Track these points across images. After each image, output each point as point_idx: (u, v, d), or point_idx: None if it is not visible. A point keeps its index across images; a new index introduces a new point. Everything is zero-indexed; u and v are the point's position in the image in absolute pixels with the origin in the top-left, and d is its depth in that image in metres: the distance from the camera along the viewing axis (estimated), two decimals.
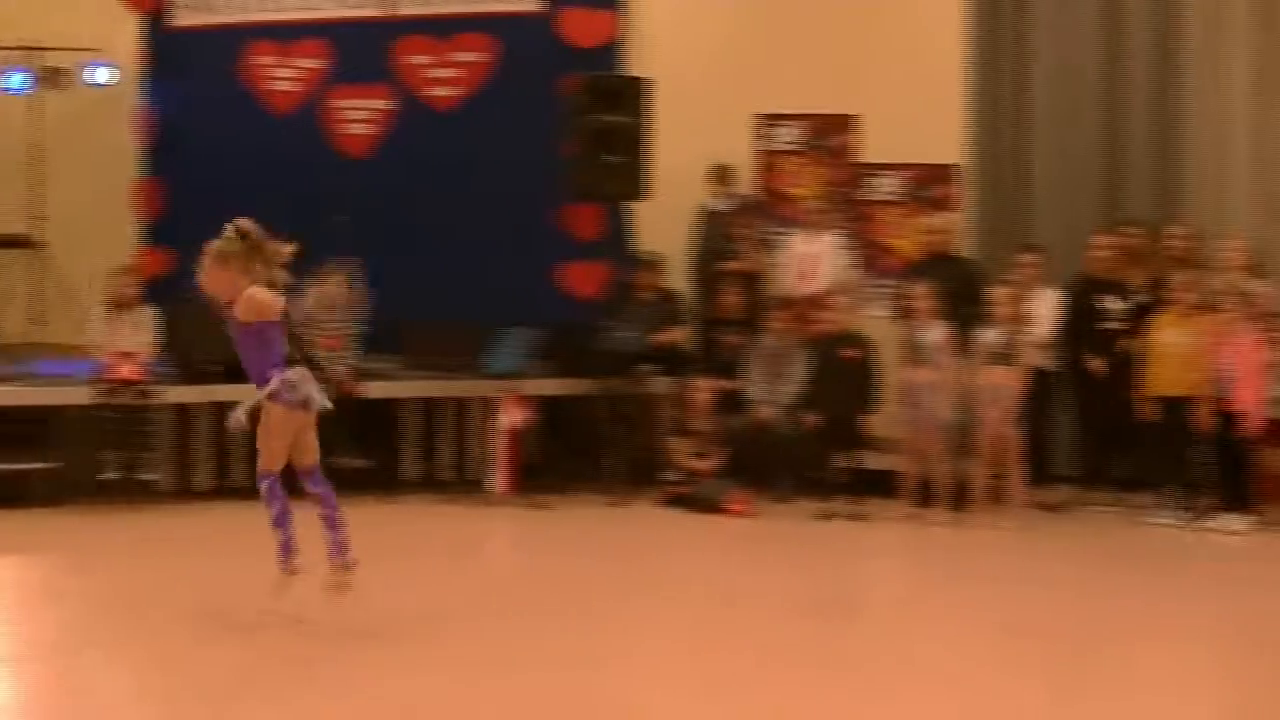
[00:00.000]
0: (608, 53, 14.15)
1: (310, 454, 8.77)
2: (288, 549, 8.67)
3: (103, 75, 15.53)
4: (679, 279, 13.85)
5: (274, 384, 8.52)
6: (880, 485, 12.50)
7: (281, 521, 8.65)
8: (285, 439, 8.64)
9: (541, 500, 12.35)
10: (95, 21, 15.53)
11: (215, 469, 12.65)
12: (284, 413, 8.58)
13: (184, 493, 12.56)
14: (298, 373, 8.63)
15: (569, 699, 7.53)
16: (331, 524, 8.73)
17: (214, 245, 8.61)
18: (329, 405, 8.72)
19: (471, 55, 14.49)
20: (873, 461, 12.71)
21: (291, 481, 8.71)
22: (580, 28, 14.15)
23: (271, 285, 8.60)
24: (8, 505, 11.97)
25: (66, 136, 15.94)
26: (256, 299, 8.52)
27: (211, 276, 8.61)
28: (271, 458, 8.63)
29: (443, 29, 14.55)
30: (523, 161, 13.90)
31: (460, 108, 14.53)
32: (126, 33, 15.56)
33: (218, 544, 11.20)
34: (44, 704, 7.77)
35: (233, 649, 8.37)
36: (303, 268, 12.48)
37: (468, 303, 13.37)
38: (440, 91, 14.56)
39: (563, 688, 7.67)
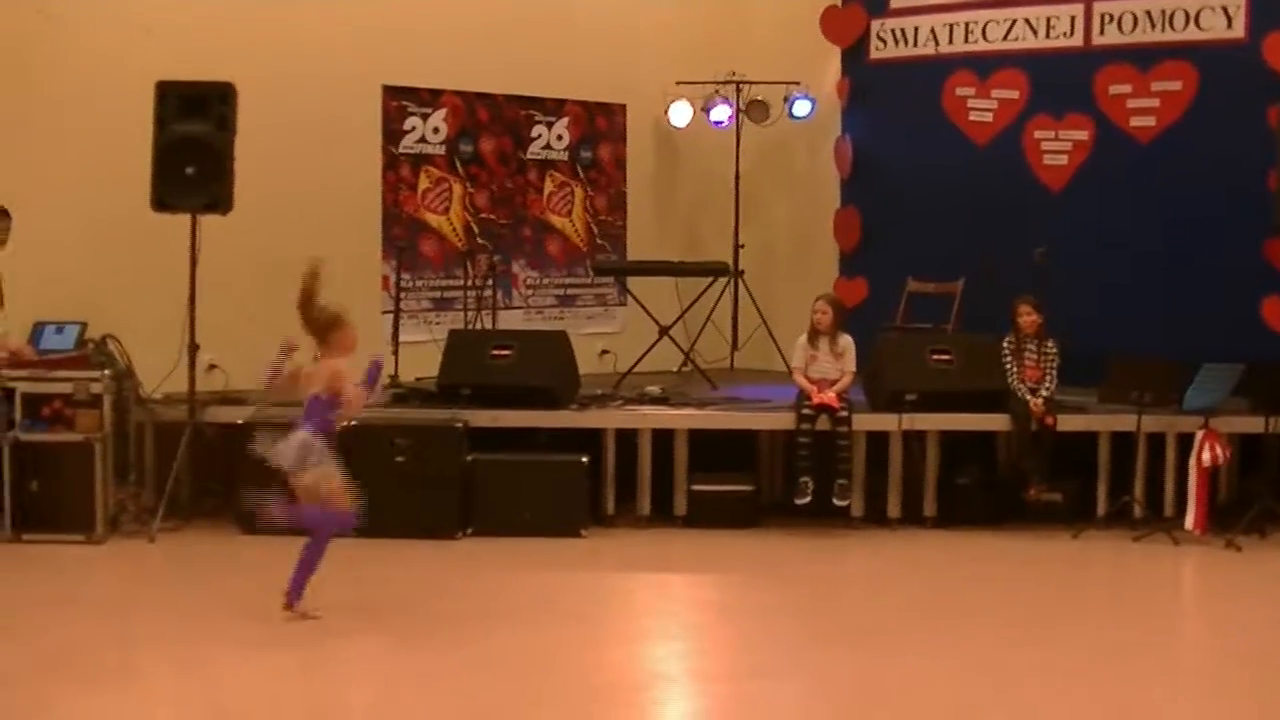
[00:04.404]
0: None
1: None
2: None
3: (803, 108, 15.88)
4: None
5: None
6: None
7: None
8: None
9: (1234, 541, 11.96)
10: (797, 55, 15.97)
11: (905, 498, 12.74)
12: None
13: (876, 520, 12.70)
14: None
15: None
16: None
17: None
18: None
19: (1173, 84, 14.22)
20: None
21: None
22: None
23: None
24: (708, 525, 12.42)
25: (765, 168, 16.38)
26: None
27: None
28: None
29: (1143, 58, 14.31)
30: (1226, 193, 13.63)
31: (1161, 138, 14.26)
32: (828, 66, 15.98)
33: (910, 574, 11.45)
34: None
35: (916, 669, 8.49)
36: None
37: (1168, 337, 13.17)
38: (1141, 122, 14.33)
39: None
